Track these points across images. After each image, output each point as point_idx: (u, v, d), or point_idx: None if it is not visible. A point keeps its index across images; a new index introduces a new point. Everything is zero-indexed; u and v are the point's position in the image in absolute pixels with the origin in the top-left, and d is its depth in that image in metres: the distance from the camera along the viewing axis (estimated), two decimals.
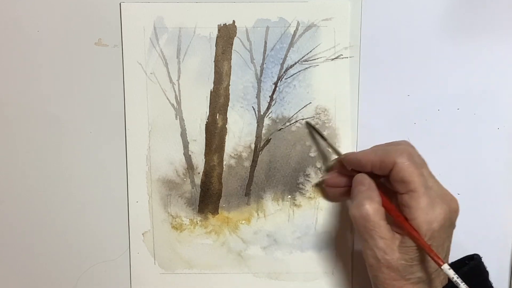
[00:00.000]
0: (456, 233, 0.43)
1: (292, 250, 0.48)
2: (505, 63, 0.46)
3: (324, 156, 0.47)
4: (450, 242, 0.40)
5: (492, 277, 0.45)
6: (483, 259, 0.43)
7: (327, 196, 0.47)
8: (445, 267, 0.36)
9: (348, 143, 0.46)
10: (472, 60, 0.46)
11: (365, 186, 0.40)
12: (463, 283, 0.36)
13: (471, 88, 0.46)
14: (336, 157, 0.45)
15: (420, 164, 0.39)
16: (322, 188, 0.47)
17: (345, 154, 0.44)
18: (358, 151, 0.43)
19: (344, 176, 0.44)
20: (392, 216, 0.39)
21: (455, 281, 0.36)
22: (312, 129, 0.46)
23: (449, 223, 0.38)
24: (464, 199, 0.47)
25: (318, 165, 0.47)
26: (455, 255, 0.44)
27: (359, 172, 0.42)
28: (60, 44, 0.46)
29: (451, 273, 0.36)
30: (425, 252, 0.37)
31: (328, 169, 0.47)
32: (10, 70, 0.46)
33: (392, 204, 0.40)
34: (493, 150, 0.47)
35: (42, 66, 0.46)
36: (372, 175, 0.41)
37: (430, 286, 0.39)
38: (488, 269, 0.42)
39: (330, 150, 0.46)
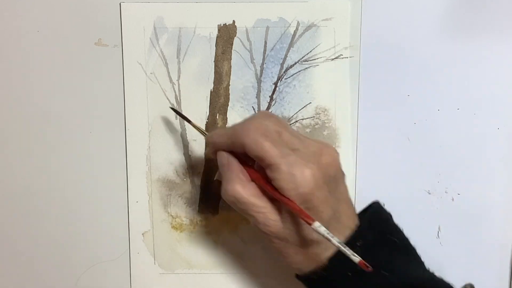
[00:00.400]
0: (456, 233, 0.43)
1: None
2: (505, 63, 0.46)
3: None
4: (338, 195, 0.38)
5: (492, 277, 0.45)
6: (482, 259, 0.43)
7: None
8: (316, 225, 0.35)
9: (348, 143, 0.46)
10: (472, 60, 0.46)
11: (225, 166, 0.38)
12: (334, 237, 0.34)
13: (471, 88, 0.46)
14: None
15: (272, 132, 0.37)
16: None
17: (208, 136, 0.41)
18: (215, 131, 0.40)
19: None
20: (264, 188, 0.37)
21: (326, 237, 0.34)
22: (178, 114, 0.46)
23: (325, 180, 0.36)
24: (464, 199, 0.47)
25: None
26: (454, 254, 0.44)
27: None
28: (60, 44, 0.46)
29: (322, 230, 0.34)
30: (297, 215, 0.36)
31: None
32: (10, 70, 0.46)
33: (261, 175, 0.38)
34: (493, 150, 0.47)
35: (42, 66, 0.46)
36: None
37: (326, 246, 0.38)
38: (488, 269, 0.42)
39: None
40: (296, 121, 0.47)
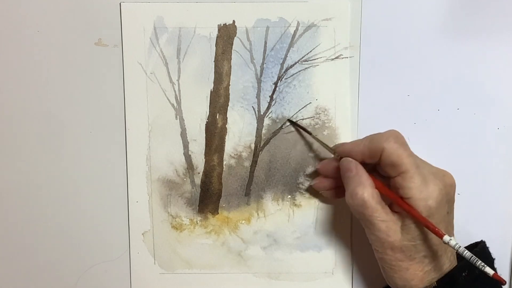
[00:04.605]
0: (456, 233, 0.43)
1: (292, 250, 0.48)
2: (505, 63, 0.46)
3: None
4: (451, 217, 0.40)
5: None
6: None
7: (323, 199, 0.47)
8: (446, 238, 0.36)
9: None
10: (472, 60, 0.46)
11: (353, 171, 0.40)
12: (467, 251, 0.36)
13: (471, 88, 0.46)
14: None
15: (407, 145, 0.39)
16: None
17: (335, 146, 0.44)
18: (346, 142, 0.44)
19: (331, 177, 0.44)
20: (388, 197, 0.39)
21: (459, 250, 0.36)
22: (297, 126, 0.46)
23: (447, 198, 0.39)
24: (464, 199, 0.47)
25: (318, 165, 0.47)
26: None
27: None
28: (60, 44, 0.46)
29: (453, 243, 0.36)
30: (425, 226, 0.37)
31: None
32: (10, 70, 0.46)
33: (386, 185, 0.40)
34: (493, 150, 0.47)
35: (42, 66, 0.46)
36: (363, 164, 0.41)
37: (437, 263, 0.39)
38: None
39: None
40: (296, 121, 0.47)
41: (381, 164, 0.40)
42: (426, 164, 0.40)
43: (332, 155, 0.44)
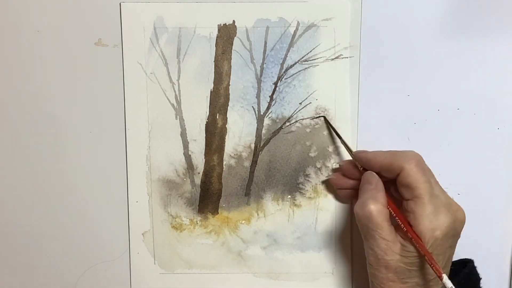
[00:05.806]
0: None
1: (292, 250, 0.48)
2: (505, 63, 0.46)
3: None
4: (452, 252, 0.40)
5: (492, 278, 0.45)
6: (483, 260, 0.43)
7: (336, 196, 0.47)
8: (445, 278, 0.36)
9: (348, 143, 0.46)
10: (472, 60, 0.46)
11: (372, 185, 0.40)
12: None
13: (471, 88, 0.46)
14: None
15: (427, 171, 0.39)
16: (330, 186, 0.47)
17: (356, 152, 0.44)
18: (368, 151, 0.43)
19: (349, 178, 0.45)
20: (397, 219, 0.39)
21: None
22: (328, 124, 0.46)
23: (453, 233, 0.38)
24: (464, 199, 0.47)
25: (318, 165, 0.47)
26: (454, 254, 0.44)
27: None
28: (60, 44, 0.46)
29: (449, 285, 0.36)
30: (426, 260, 0.37)
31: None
32: (10, 70, 0.46)
33: (398, 207, 0.40)
34: (493, 150, 0.47)
35: (42, 66, 0.46)
36: (381, 177, 0.41)
37: None
38: (488, 270, 0.42)
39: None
40: (296, 121, 0.47)
41: (397, 183, 0.40)
42: (442, 194, 0.39)
43: (352, 159, 0.44)
